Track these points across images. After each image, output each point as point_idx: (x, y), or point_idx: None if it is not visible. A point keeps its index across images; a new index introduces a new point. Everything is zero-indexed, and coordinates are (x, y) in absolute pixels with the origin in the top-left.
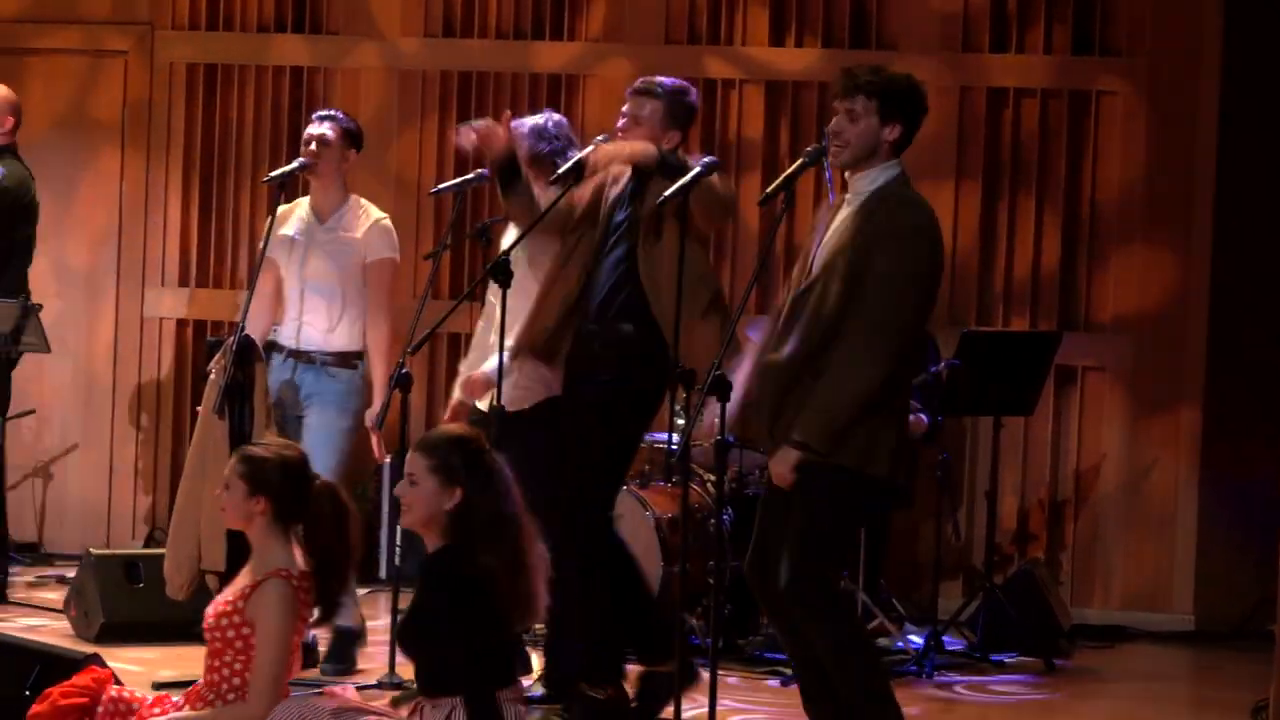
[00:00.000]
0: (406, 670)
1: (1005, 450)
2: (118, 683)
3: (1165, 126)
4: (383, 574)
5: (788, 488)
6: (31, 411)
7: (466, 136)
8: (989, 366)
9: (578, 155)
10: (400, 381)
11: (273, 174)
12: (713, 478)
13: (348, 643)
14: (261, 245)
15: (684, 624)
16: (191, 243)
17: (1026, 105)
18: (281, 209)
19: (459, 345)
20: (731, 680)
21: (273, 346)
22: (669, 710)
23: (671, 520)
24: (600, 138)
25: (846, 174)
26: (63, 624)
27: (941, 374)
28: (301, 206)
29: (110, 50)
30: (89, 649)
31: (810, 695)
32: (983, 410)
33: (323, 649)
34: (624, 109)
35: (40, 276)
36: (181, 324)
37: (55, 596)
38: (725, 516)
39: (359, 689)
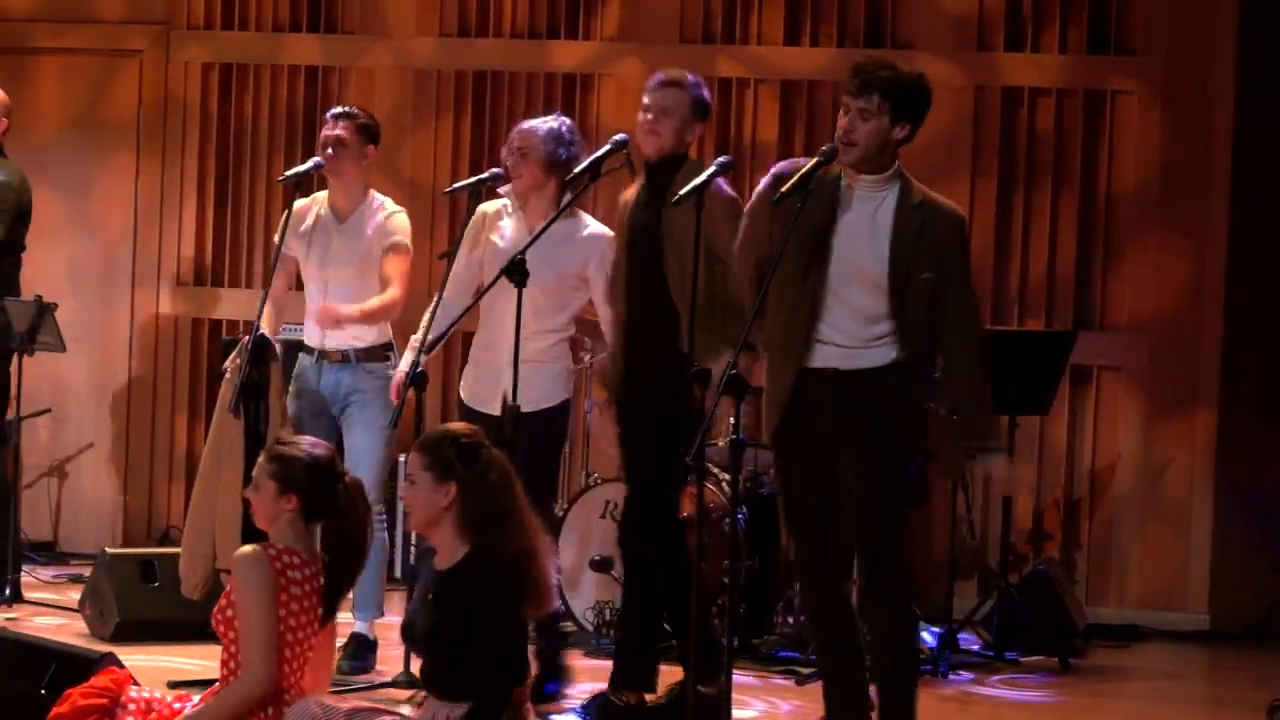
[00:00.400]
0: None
1: (1020, 450)
2: (135, 683)
3: (1180, 126)
4: (398, 573)
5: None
6: (47, 410)
7: None
8: (1004, 366)
9: (593, 156)
10: (415, 381)
11: (287, 174)
12: (728, 477)
13: (367, 648)
14: (277, 243)
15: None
16: (207, 242)
17: (1041, 105)
18: (298, 204)
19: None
20: (747, 680)
21: (299, 346)
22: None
23: (686, 520)
24: (619, 137)
25: (861, 173)
26: (78, 623)
27: None
28: (319, 203)
29: (126, 50)
30: (104, 648)
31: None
32: (998, 409)
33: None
34: (646, 102)
35: (55, 276)
36: (197, 323)
37: (71, 595)
38: (740, 516)
39: (375, 687)
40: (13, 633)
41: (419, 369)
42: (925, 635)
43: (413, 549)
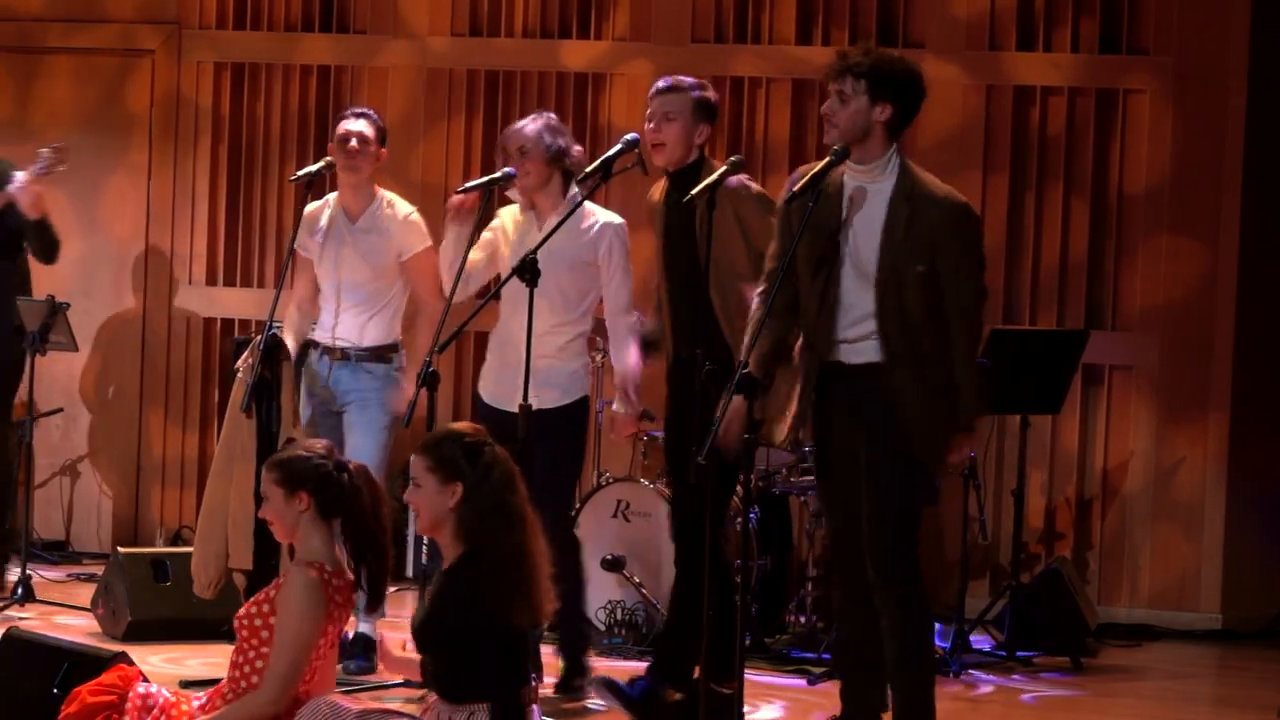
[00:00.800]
0: None
1: (1032, 449)
2: (144, 679)
3: (1192, 125)
4: (409, 572)
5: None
6: (59, 410)
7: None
8: (1016, 365)
9: (604, 156)
10: (427, 380)
11: (299, 173)
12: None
13: (371, 647)
14: (289, 245)
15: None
16: (219, 241)
17: (1053, 104)
18: (310, 207)
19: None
20: (759, 679)
21: (310, 344)
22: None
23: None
24: (630, 136)
25: (852, 161)
26: (90, 622)
27: None
28: (329, 205)
29: (138, 49)
30: (116, 647)
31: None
32: (1010, 409)
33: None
34: (650, 110)
35: (68, 275)
36: (209, 322)
37: (83, 595)
38: (752, 515)
39: (384, 687)
40: (25, 632)
41: (430, 368)
42: (938, 635)
43: (424, 548)
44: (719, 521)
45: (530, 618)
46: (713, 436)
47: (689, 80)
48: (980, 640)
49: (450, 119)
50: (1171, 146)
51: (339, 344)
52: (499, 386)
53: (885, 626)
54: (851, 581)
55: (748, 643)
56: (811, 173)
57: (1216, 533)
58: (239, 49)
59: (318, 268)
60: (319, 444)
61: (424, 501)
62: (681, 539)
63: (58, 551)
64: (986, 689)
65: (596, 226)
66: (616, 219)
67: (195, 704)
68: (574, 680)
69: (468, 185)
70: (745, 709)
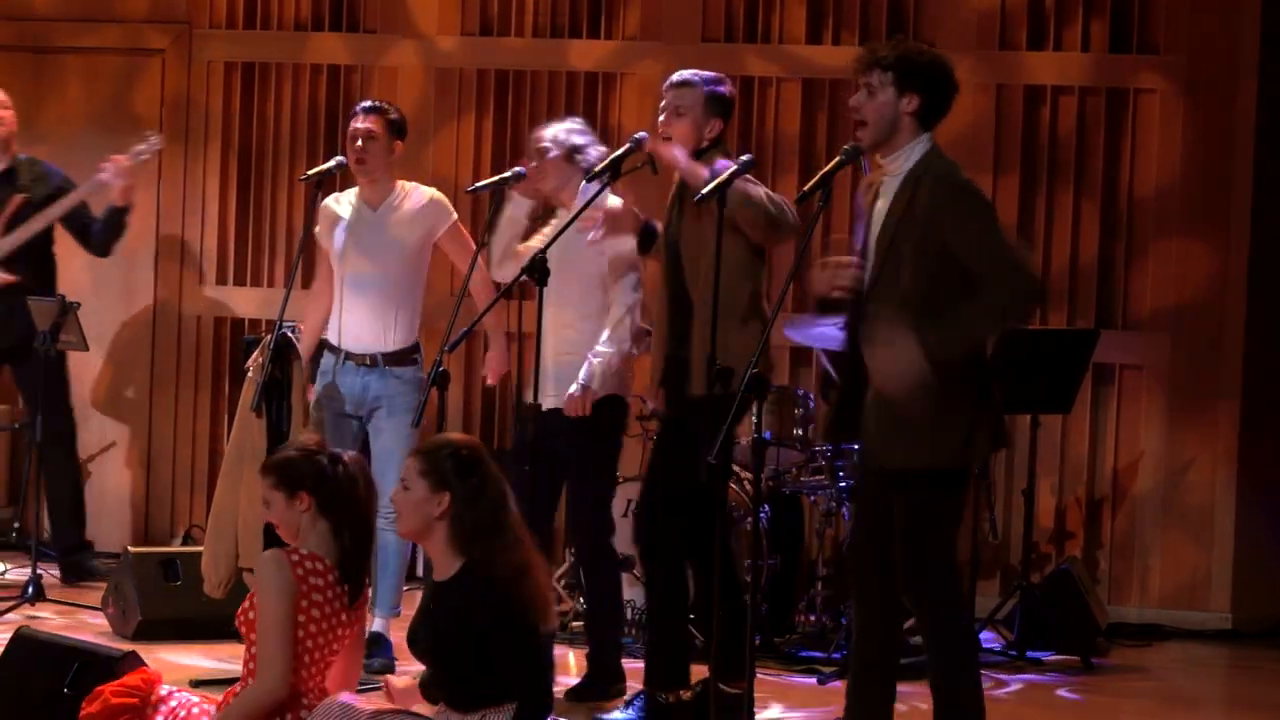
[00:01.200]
0: None
1: (1043, 448)
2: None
3: (1203, 124)
4: (420, 572)
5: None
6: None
7: (599, 230)
8: (1026, 364)
9: (617, 152)
10: (438, 379)
11: (310, 172)
12: (750, 476)
13: (382, 648)
14: (301, 242)
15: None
16: (229, 241)
17: (1064, 103)
18: (328, 201)
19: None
20: (769, 678)
21: (324, 345)
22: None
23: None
24: (639, 135)
25: (879, 157)
26: (100, 621)
27: None
28: (351, 200)
29: (148, 49)
30: (126, 646)
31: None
32: (1020, 408)
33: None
34: (663, 104)
35: (78, 275)
36: (219, 322)
37: (93, 594)
38: (762, 515)
39: None
40: (36, 631)
41: (440, 367)
42: None
43: None
44: (726, 522)
45: (539, 623)
46: (725, 434)
47: (704, 74)
48: (990, 639)
49: (460, 119)
50: (1182, 146)
51: (356, 348)
52: (554, 387)
53: (928, 649)
54: (863, 573)
55: (757, 642)
56: (821, 172)
57: (1227, 533)
58: (249, 49)
59: (338, 261)
60: (309, 440)
61: (410, 504)
62: (647, 544)
63: None
64: (996, 689)
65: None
66: (616, 200)
67: (214, 707)
68: (609, 685)
69: (478, 185)
70: (755, 708)
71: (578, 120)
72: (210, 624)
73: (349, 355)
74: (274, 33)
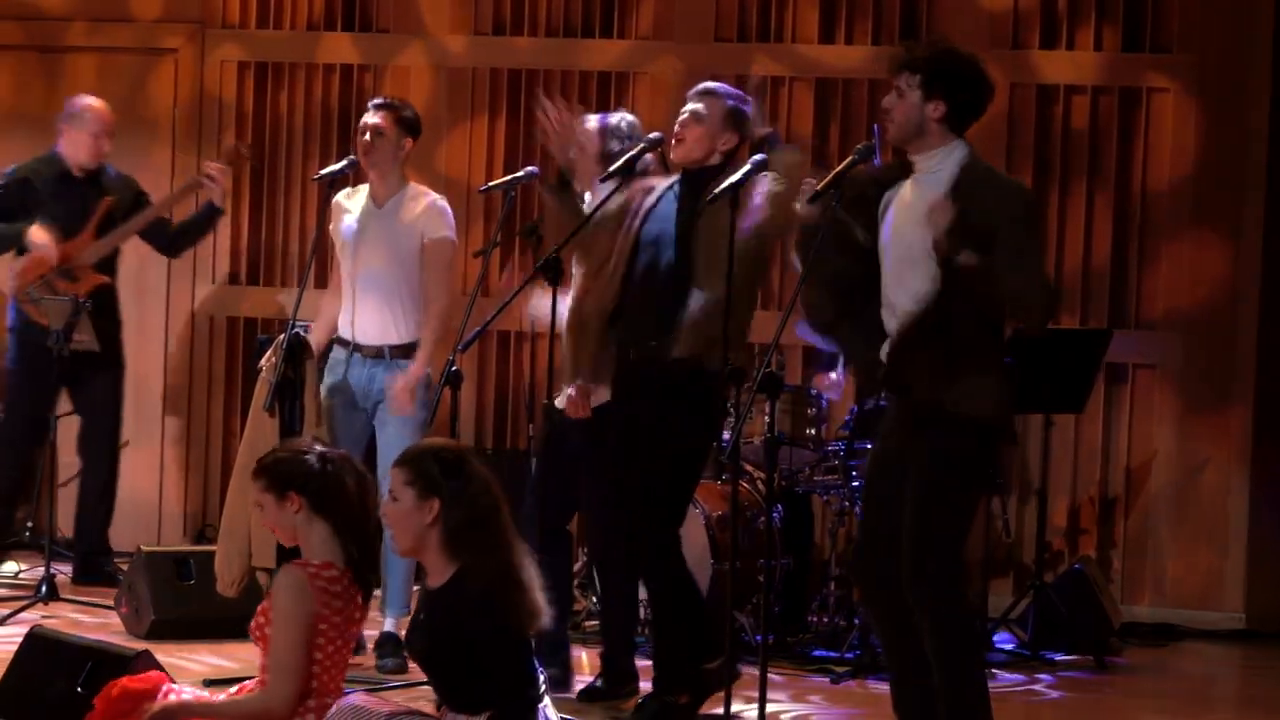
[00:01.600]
0: None
1: (1056, 448)
2: (173, 682)
3: (1216, 124)
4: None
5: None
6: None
7: (545, 119)
8: (1039, 364)
9: (628, 154)
10: (450, 379)
11: (322, 172)
12: (763, 475)
13: (393, 649)
14: (314, 239)
15: (734, 622)
16: (242, 240)
17: (1076, 103)
18: (340, 196)
19: (509, 343)
20: (782, 678)
21: (336, 340)
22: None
23: (721, 518)
24: (654, 135)
25: (909, 153)
26: (113, 621)
27: None
28: (359, 194)
29: (161, 48)
30: (140, 645)
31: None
32: (1033, 408)
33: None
34: (684, 108)
35: None
36: (232, 321)
37: (106, 593)
38: (775, 514)
39: (411, 685)
40: (49, 631)
41: (453, 367)
42: None
43: None
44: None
45: (526, 628)
46: (737, 433)
47: (729, 89)
48: (1004, 639)
49: (473, 118)
50: (1195, 145)
51: (365, 340)
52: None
53: (929, 650)
54: (863, 570)
55: (770, 642)
56: (835, 171)
57: (1240, 532)
58: (262, 48)
59: (343, 256)
60: (300, 441)
61: (401, 516)
62: (613, 555)
63: None
64: (1010, 688)
65: None
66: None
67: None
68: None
69: (490, 184)
70: (768, 708)
71: (629, 117)
72: (223, 623)
73: (358, 348)
74: (286, 32)
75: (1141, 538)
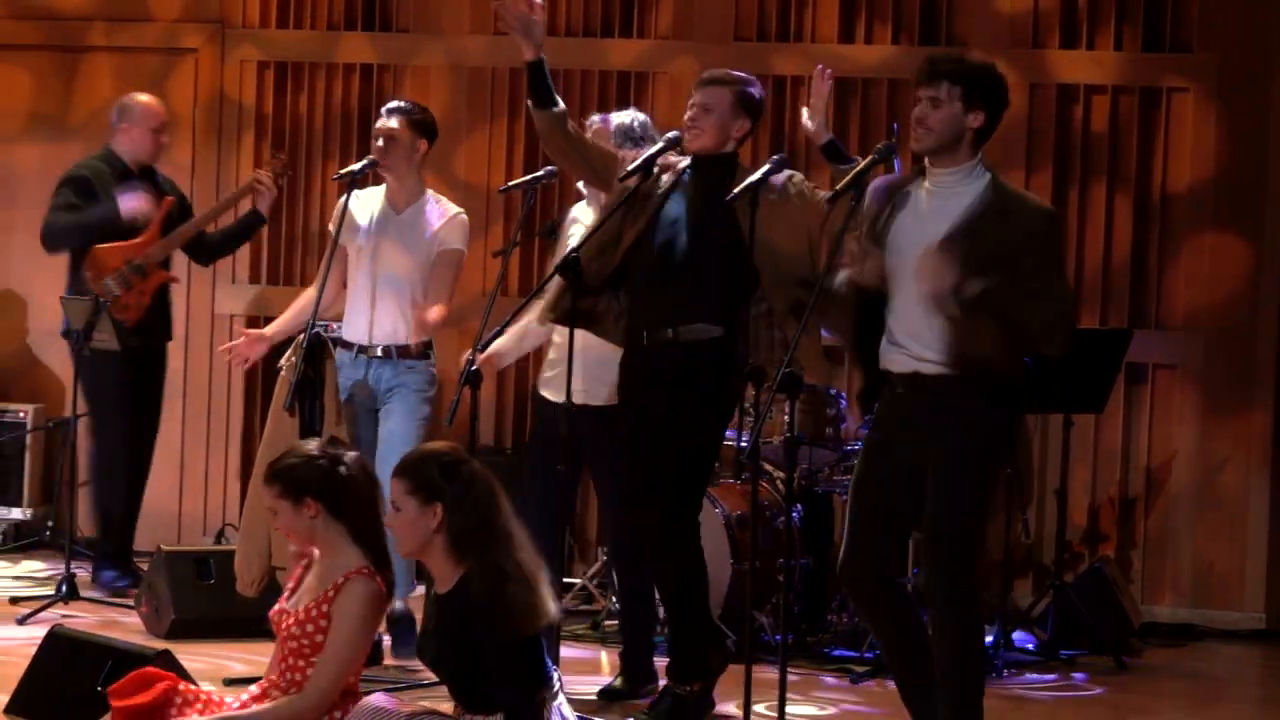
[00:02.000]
0: None
1: (1075, 448)
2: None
3: (1236, 124)
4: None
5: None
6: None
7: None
8: (1059, 364)
9: (646, 154)
10: (470, 379)
11: (342, 171)
12: (782, 475)
13: (409, 626)
14: (334, 238)
15: (754, 621)
16: (262, 239)
17: (1096, 102)
18: (354, 199)
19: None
20: (801, 678)
21: (338, 342)
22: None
23: (741, 518)
24: (672, 134)
25: (928, 162)
26: (134, 620)
27: None
28: (376, 197)
29: (181, 48)
30: (160, 645)
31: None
32: (1053, 408)
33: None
34: (692, 100)
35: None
36: (252, 321)
37: (127, 592)
38: (795, 514)
39: (423, 686)
40: (70, 630)
41: (472, 367)
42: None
43: None
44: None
45: (532, 627)
46: (756, 432)
47: (734, 74)
48: (1024, 639)
49: (493, 119)
50: (1215, 145)
51: (376, 342)
52: (584, 383)
53: (936, 643)
54: (854, 579)
55: (789, 641)
56: (854, 171)
57: (1260, 532)
58: (282, 48)
59: (353, 260)
60: (310, 444)
61: (405, 524)
62: (626, 554)
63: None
64: (1029, 688)
65: None
66: None
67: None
68: (641, 686)
69: (510, 184)
70: (787, 708)
71: (640, 117)
72: (243, 623)
73: (362, 349)
74: (306, 32)
75: (1161, 538)
